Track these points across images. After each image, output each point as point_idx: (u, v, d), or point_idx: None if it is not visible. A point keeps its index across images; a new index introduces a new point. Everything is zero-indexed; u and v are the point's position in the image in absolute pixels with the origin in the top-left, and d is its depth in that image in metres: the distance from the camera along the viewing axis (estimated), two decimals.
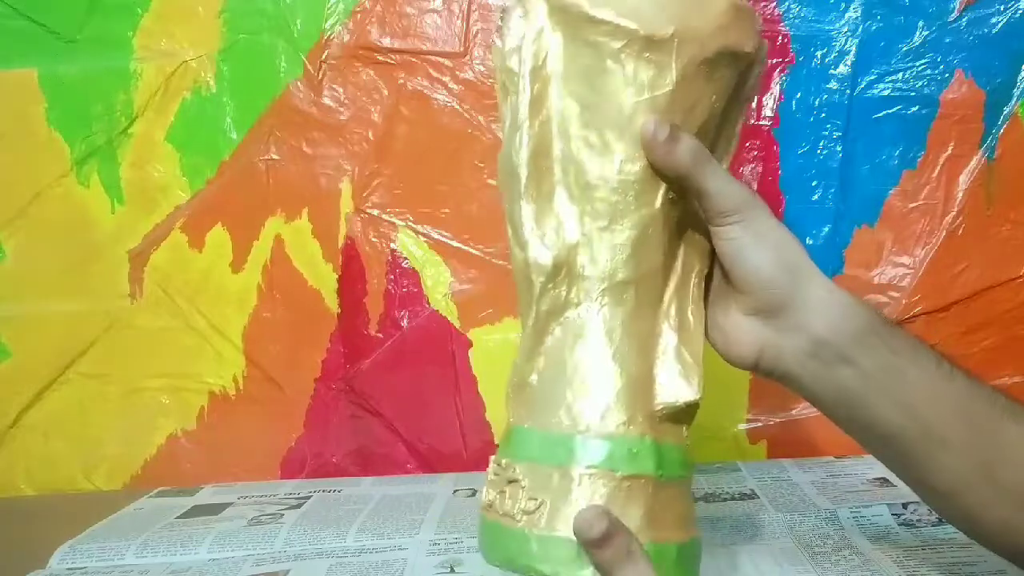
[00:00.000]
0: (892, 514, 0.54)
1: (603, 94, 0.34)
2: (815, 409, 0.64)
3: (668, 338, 0.36)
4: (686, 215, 0.37)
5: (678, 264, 0.37)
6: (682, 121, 0.34)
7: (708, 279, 0.39)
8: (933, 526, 0.53)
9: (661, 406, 0.35)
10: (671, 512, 0.34)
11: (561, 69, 0.35)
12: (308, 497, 0.64)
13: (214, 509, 0.63)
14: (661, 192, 0.35)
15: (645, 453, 0.33)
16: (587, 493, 0.32)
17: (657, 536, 0.33)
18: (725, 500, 0.59)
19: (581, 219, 0.35)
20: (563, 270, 0.35)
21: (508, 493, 0.35)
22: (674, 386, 0.35)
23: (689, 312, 0.37)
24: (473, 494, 0.63)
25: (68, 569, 0.54)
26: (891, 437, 0.34)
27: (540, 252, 0.35)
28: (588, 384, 0.34)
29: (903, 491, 0.58)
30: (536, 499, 0.33)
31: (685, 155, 0.33)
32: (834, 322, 0.34)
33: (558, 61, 0.35)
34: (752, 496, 0.59)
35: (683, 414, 0.36)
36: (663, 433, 0.35)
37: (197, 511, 0.62)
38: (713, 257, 0.38)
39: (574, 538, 0.31)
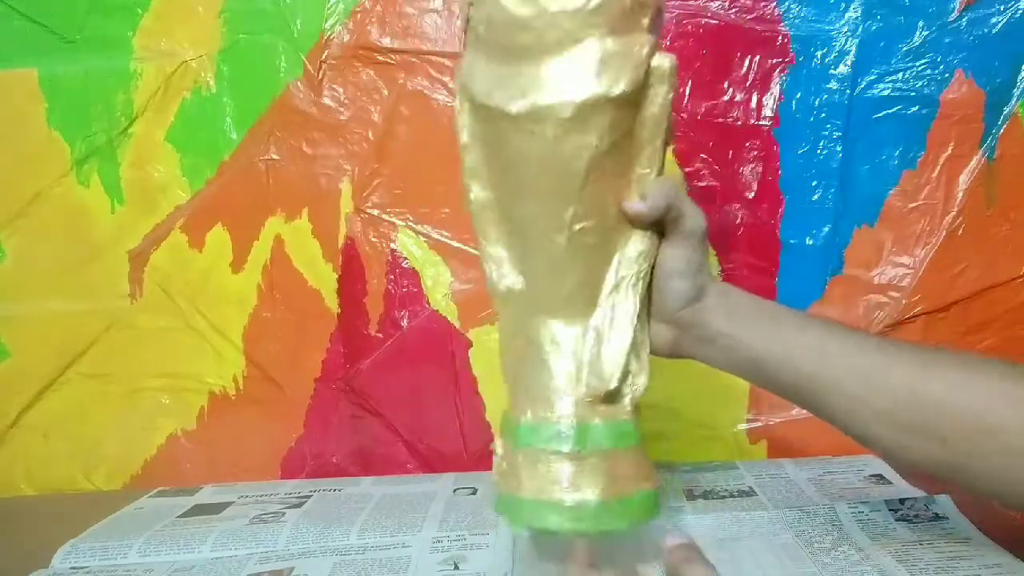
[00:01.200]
0: (889, 510, 0.55)
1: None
2: None
3: (591, 342, 0.43)
4: (600, 241, 0.43)
5: (609, 278, 0.43)
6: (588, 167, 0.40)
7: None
8: (930, 521, 0.54)
9: (589, 396, 0.42)
10: (623, 471, 0.41)
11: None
12: (309, 496, 0.65)
13: (215, 508, 0.64)
14: (567, 229, 0.41)
15: (569, 434, 0.41)
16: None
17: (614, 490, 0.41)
18: (724, 497, 0.60)
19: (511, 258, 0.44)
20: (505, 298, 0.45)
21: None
22: (596, 379, 0.42)
23: (616, 318, 0.43)
24: (474, 492, 0.64)
25: (71, 568, 0.54)
26: (780, 384, 0.43)
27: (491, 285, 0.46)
28: (531, 382, 0.43)
29: (900, 487, 0.60)
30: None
31: (660, 201, 0.41)
32: (719, 308, 0.44)
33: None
34: (750, 493, 0.60)
35: (610, 398, 0.42)
36: (591, 416, 0.42)
37: (198, 510, 0.63)
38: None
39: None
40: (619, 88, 0.38)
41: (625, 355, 0.42)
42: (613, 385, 0.42)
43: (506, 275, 0.45)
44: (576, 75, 0.38)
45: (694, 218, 0.42)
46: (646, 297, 0.44)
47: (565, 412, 0.41)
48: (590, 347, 0.43)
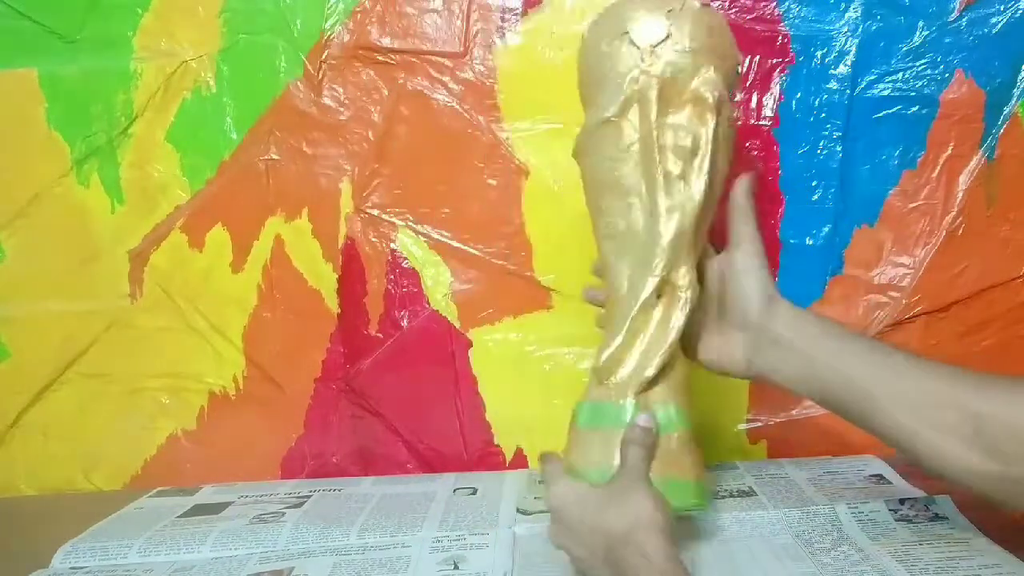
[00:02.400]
0: (889, 510, 0.56)
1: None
2: (815, 409, 0.66)
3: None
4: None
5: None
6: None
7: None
8: (930, 521, 0.54)
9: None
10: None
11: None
12: (308, 496, 0.66)
13: (215, 508, 0.64)
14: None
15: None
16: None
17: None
18: (724, 497, 0.60)
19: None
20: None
21: None
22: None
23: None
24: (474, 492, 0.65)
25: (71, 568, 0.55)
26: (841, 402, 0.46)
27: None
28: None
29: (900, 487, 0.60)
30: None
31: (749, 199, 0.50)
32: (788, 325, 0.48)
33: None
34: (751, 493, 0.61)
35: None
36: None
37: (198, 510, 0.64)
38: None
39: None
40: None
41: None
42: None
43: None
44: None
45: (750, 229, 0.49)
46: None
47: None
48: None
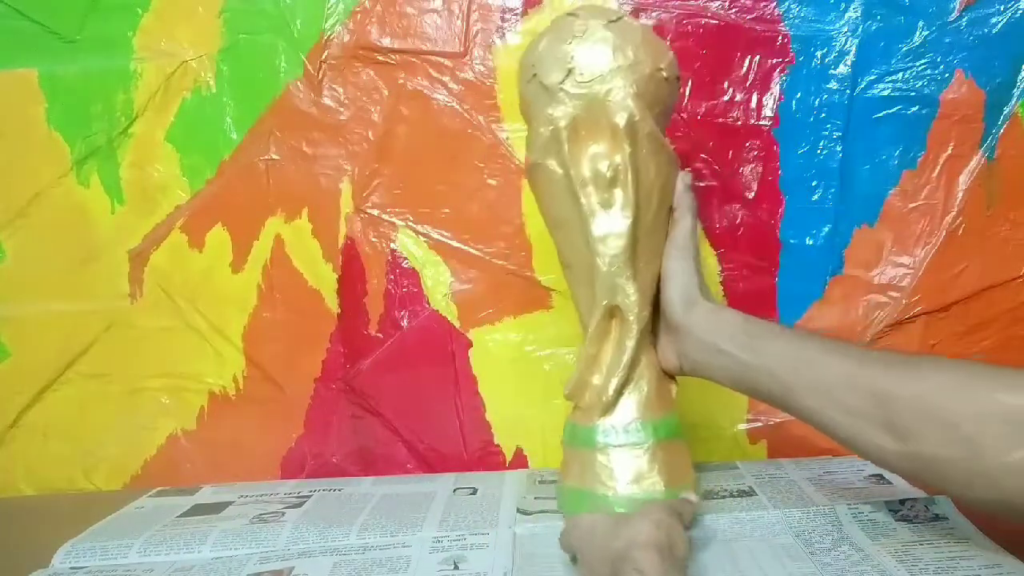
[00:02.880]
0: (889, 510, 0.56)
1: None
2: None
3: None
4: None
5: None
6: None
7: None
8: (930, 521, 0.55)
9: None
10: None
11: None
12: (309, 496, 0.66)
13: (215, 508, 0.64)
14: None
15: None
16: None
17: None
18: (724, 497, 0.60)
19: None
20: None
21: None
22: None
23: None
24: (474, 492, 0.65)
25: (71, 568, 0.55)
26: (768, 394, 0.48)
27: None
28: None
29: (900, 487, 0.61)
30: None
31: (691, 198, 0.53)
32: (707, 329, 0.50)
33: None
34: (751, 493, 0.61)
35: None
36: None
37: (197, 510, 0.64)
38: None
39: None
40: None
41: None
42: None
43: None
44: None
45: (687, 227, 0.51)
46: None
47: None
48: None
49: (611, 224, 0.51)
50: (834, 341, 0.47)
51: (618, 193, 0.51)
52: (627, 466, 0.52)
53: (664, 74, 0.52)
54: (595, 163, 0.51)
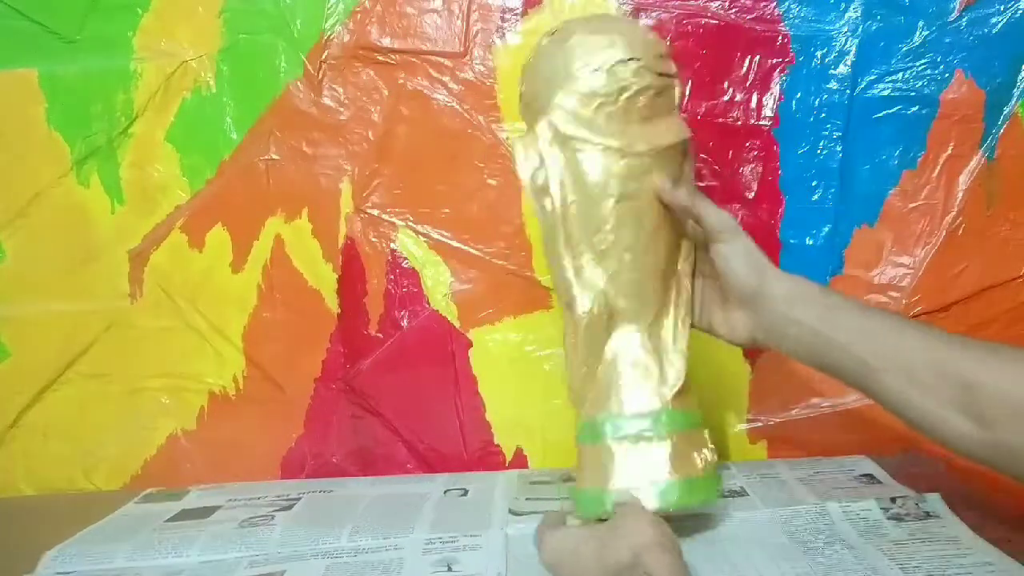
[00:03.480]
0: (880, 508, 0.57)
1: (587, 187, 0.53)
2: (814, 409, 0.67)
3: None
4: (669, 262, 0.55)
5: (672, 293, 0.56)
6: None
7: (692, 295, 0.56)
8: (920, 520, 0.56)
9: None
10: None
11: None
12: (298, 499, 0.66)
13: (204, 512, 0.65)
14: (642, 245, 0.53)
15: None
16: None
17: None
18: None
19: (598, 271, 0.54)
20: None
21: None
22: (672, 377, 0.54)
23: (679, 323, 0.55)
24: (465, 494, 0.66)
25: (56, 574, 0.55)
26: (841, 369, 0.48)
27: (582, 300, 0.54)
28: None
29: (890, 486, 0.61)
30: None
31: (684, 196, 0.51)
32: (783, 297, 0.50)
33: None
34: (742, 493, 0.62)
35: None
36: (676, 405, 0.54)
37: (186, 514, 0.65)
38: (693, 282, 0.56)
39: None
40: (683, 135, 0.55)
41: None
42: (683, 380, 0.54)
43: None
44: None
45: (717, 216, 0.51)
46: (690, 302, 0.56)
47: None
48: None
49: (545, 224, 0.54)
50: (914, 322, 0.47)
51: (547, 200, 0.54)
52: (640, 455, 0.52)
53: (579, 86, 0.53)
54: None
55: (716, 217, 0.50)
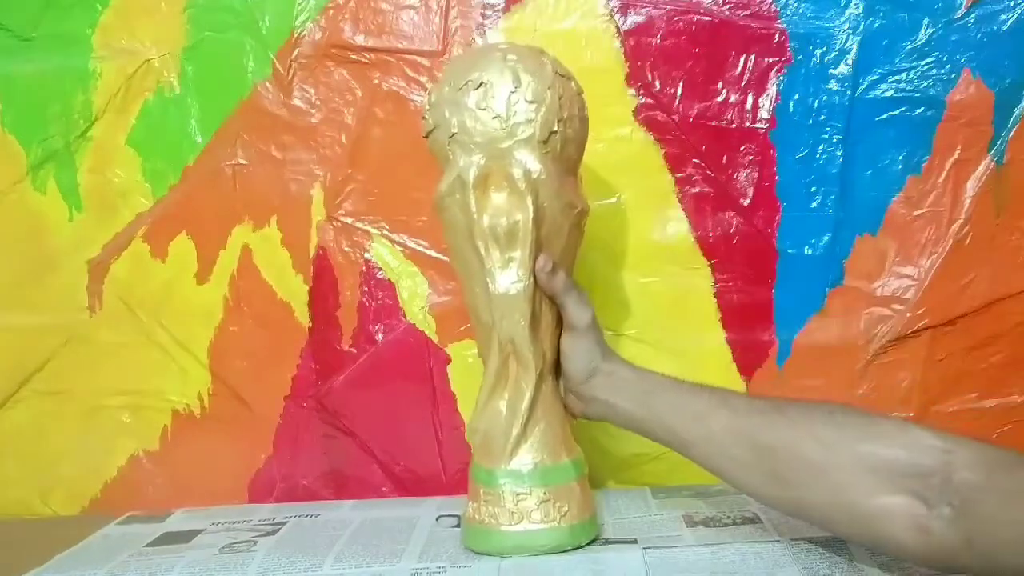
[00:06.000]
0: None
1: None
2: None
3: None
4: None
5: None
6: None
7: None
8: None
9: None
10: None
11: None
12: (284, 523, 0.65)
13: (185, 536, 0.64)
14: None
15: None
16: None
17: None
18: (727, 525, 0.59)
19: None
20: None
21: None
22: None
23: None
24: (458, 525, 0.65)
25: None
26: (663, 442, 0.54)
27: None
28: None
29: None
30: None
31: (558, 283, 0.55)
32: (602, 388, 0.57)
33: None
34: (755, 520, 0.60)
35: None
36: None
37: (167, 539, 0.63)
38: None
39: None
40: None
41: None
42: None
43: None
44: None
45: (576, 314, 0.56)
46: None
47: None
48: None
49: (509, 283, 0.54)
50: (722, 392, 0.53)
51: (517, 253, 0.54)
52: (523, 508, 0.56)
53: (577, 117, 0.54)
54: (496, 218, 0.53)
55: (575, 313, 0.56)
